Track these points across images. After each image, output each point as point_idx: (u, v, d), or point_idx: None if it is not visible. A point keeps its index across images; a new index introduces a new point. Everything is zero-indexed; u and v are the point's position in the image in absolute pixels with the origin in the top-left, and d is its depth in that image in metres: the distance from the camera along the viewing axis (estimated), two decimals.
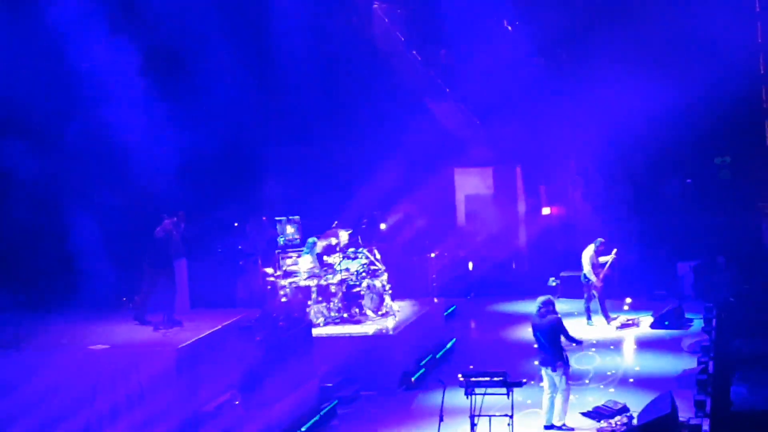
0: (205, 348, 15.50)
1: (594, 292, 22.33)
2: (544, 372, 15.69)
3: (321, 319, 19.66)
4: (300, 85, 25.78)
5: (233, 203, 24.15)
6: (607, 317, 22.40)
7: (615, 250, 22.42)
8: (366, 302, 20.10)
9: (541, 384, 15.97)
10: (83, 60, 20.42)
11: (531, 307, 15.99)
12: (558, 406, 15.49)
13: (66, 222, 20.21)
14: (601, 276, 22.17)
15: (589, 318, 22.50)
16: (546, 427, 15.50)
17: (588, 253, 22.35)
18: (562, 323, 15.66)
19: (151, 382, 14.59)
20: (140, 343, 15.61)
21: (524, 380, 15.61)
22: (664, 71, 26.42)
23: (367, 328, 19.40)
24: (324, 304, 19.86)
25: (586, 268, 22.24)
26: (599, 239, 22.53)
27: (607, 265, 22.31)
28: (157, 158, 25.59)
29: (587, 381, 17.80)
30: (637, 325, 22.48)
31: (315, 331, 18.50)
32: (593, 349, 19.99)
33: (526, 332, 20.47)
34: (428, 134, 27.35)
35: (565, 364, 15.59)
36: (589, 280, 22.24)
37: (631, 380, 18.01)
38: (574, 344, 15.55)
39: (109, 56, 20.95)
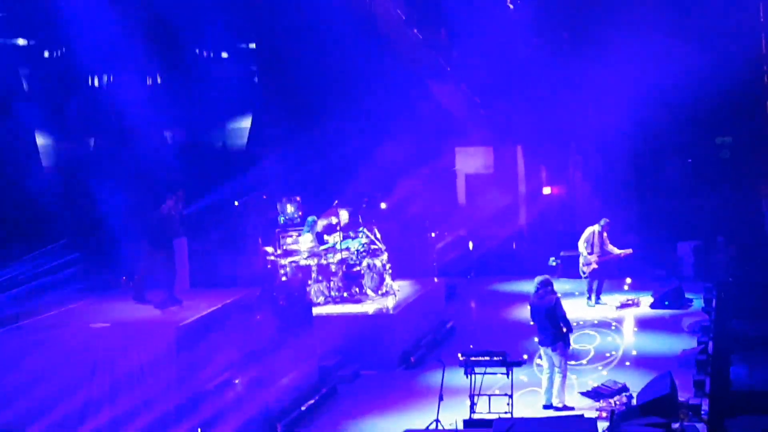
0: (205, 327, 15.49)
1: (585, 268, 22.29)
2: (543, 351, 15.70)
3: (321, 298, 19.67)
4: (300, 64, 25.71)
5: (233, 182, 24.14)
6: (598, 297, 22.43)
7: (629, 251, 22.41)
8: (366, 281, 20.10)
9: (540, 362, 15.99)
10: (84, 30, 20.40)
11: (531, 286, 15.99)
12: (556, 386, 15.50)
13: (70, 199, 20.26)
14: (595, 258, 22.13)
15: (589, 298, 22.52)
16: (545, 407, 15.52)
17: (588, 231, 22.31)
18: (560, 304, 15.66)
19: (151, 360, 14.60)
20: (140, 322, 15.62)
21: (525, 357, 15.66)
22: (665, 51, 26.31)
23: (367, 308, 19.41)
24: (324, 283, 19.86)
25: (581, 245, 22.23)
26: (604, 219, 22.49)
27: (616, 254, 22.29)
28: (156, 136, 25.63)
29: (584, 362, 17.81)
30: (637, 305, 22.50)
31: (315, 310, 18.51)
32: (593, 330, 20.01)
33: (526, 312, 20.36)
34: (429, 114, 27.30)
35: (565, 344, 15.59)
36: (583, 255, 22.23)
37: (629, 362, 18.02)
38: (565, 328, 15.54)
39: (110, 30, 20.92)
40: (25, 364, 14.46)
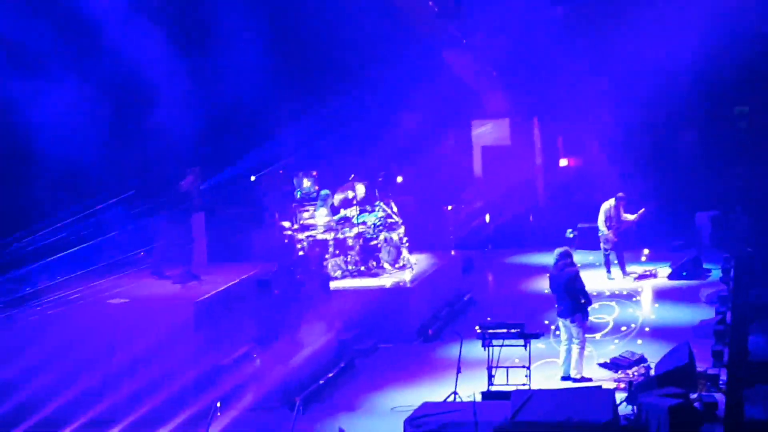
0: (223, 302, 15.57)
1: (606, 246, 22.22)
2: (562, 323, 15.69)
3: (338, 272, 19.69)
4: (315, 38, 25.64)
5: (250, 157, 24.14)
6: (623, 270, 22.36)
7: (642, 210, 22.31)
8: (383, 255, 20.12)
9: (558, 333, 16.01)
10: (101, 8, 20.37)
11: (548, 258, 15.97)
12: (574, 357, 15.51)
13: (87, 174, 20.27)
14: (614, 231, 22.07)
15: (608, 271, 22.45)
16: (563, 378, 15.53)
17: (605, 206, 22.24)
18: (579, 276, 15.65)
19: (169, 335, 14.68)
20: (158, 297, 15.70)
21: (543, 329, 15.66)
22: (682, 20, 26.10)
23: (385, 281, 19.43)
24: (341, 257, 19.88)
25: (600, 220, 22.16)
26: (620, 193, 22.40)
27: (632, 220, 22.21)
28: (175, 113, 25.61)
29: (602, 334, 17.81)
30: (655, 275, 22.46)
31: (332, 284, 18.56)
32: (611, 301, 19.98)
33: (543, 284, 20.47)
34: (445, 86, 27.21)
35: (583, 315, 15.59)
36: (603, 233, 22.17)
37: (647, 333, 18.00)
38: (583, 300, 15.53)
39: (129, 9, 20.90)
40: (45, 340, 14.58)
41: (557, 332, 16.23)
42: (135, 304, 15.31)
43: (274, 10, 24.64)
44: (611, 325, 18.38)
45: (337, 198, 20.69)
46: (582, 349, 15.57)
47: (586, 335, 15.86)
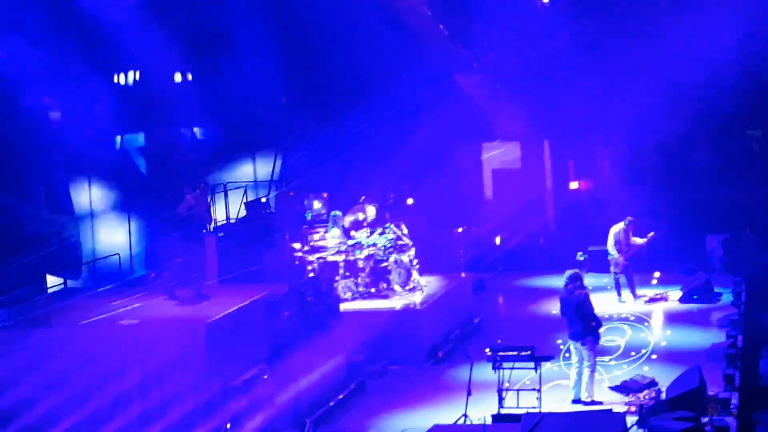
0: (234, 323, 15.58)
1: (616, 269, 22.18)
2: (573, 346, 15.68)
3: (348, 294, 19.69)
4: (327, 60, 25.77)
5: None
6: (634, 293, 22.32)
7: (652, 234, 22.29)
8: (393, 277, 20.12)
9: (568, 356, 15.98)
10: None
11: (559, 281, 15.96)
12: (585, 381, 15.48)
13: None
14: (624, 254, 22.01)
15: (619, 294, 22.40)
16: (574, 401, 15.50)
17: (614, 230, 22.22)
18: (588, 299, 15.65)
19: (180, 356, 14.69)
20: (169, 318, 15.72)
21: (554, 351, 15.64)
22: (695, 41, 26.12)
23: (395, 303, 19.42)
24: (351, 279, 19.89)
25: (610, 244, 22.13)
26: (629, 218, 22.39)
27: (641, 244, 22.18)
28: (184, 132, 25.75)
29: (613, 357, 17.76)
30: (666, 299, 22.41)
31: (343, 306, 18.55)
32: (624, 324, 19.94)
33: (553, 306, 20.45)
34: (456, 108, 27.28)
35: (594, 338, 15.57)
36: (613, 257, 22.13)
37: (658, 356, 17.96)
38: (593, 323, 15.52)
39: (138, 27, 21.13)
40: (56, 360, 14.62)
41: (567, 354, 16.21)
42: (146, 324, 15.33)
43: (285, 33, 24.79)
44: (622, 348, 18.35)
45: (348, 220, 20.71)
46: (593, 372, 15.54)
47: (597, 358, 15.83)
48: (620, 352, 18.14)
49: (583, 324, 15.51)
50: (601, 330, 15.91)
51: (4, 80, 20.36)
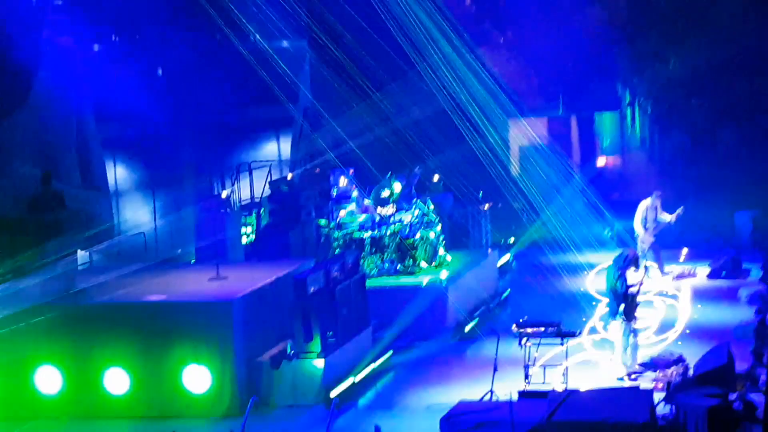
0: (260, 299, 15.61)
1: (643, 245, 21.99)
2: (608, 322, 15.74)
3: (375, 270, 19.69)
4: (354, 36, 25.68)
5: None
6: (662, 269, 22.15)
7: (680, 209, 22.05)
8: (420, 253, 20.10)
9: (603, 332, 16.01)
10: None
11: (585, 258, 15.91)
12: (621, 353, 15.51)
13: None
14: (650, 231, 21.84)
15: (646, 270, 22.22)
16: (619, 379, 15.53)
17: (643, 206, 22.02)
18: (625, 276, 15.61)
19: (207, 333, 14.76)
20: (196, 295, 15.77)
21: (580, 328, 15.64)
22: (720, 17, 25.88)
23: (421, 279, 19.40)
24: (378, 255, 19.88)
25: (637, 220, 21.95)
26: (656, 192, 22.18)
27: (669, 220, 21.98)
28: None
29: (643, 333, 17.66)
30: (694, 275, 22.26)
31: (369, 282, 18.54)
32: (651, 301, 19.82)
33: (581, 283, 20.41)
34: (483, 85, 27.14)
35: (628, 314, 15.56)
36: (642, 238, 21.96)
37: (686, 332, 17.85)
38: (629, 300, 15.52)
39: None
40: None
41: (604, 330, 16.24)
42: (172, 301, 15.40)
43: (312, 12, 24.72)
44: (650, 324, 18.23)
45: (374, 196, 20.69)
46: (629, 346, 15.58)
47: (633, 333, 15.84)
48: (650, 328, 18.02)
49: (618, 301, 15.52)
50: (636, 306, 15.90)
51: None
